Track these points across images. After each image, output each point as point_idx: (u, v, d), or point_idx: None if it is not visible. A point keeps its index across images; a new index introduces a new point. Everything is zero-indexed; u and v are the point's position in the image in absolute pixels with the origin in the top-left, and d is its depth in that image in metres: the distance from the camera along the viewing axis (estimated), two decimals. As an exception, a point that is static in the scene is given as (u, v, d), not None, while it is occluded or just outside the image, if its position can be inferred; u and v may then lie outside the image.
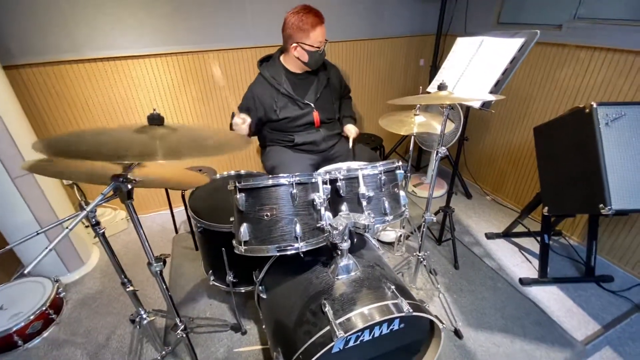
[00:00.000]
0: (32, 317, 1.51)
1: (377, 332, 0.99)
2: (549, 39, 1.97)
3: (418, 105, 1.55)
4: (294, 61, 1.64)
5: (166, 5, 1.91)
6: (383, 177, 1.03)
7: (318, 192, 0.97)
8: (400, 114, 1.64)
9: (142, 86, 2.06)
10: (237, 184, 0.92)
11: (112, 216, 2.30)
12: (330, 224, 0.93)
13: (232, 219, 1.05)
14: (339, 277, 1.05)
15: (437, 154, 1.28)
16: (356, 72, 2.65)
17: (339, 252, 1.03)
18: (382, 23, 2.53)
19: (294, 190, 0.91)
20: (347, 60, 2.57)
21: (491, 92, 1.37)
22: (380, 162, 1.08)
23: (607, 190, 1.33)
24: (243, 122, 1.49)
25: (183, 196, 1.80)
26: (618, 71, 1.70)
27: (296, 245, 0.92)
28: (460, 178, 2.62)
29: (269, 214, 0.91)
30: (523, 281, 1.78)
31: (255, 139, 1.86)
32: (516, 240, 2.13)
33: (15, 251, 1.78)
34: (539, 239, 2.03)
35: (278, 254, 0.94)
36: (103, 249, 1.05)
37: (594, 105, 1.37)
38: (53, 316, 1.63)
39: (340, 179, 1.04)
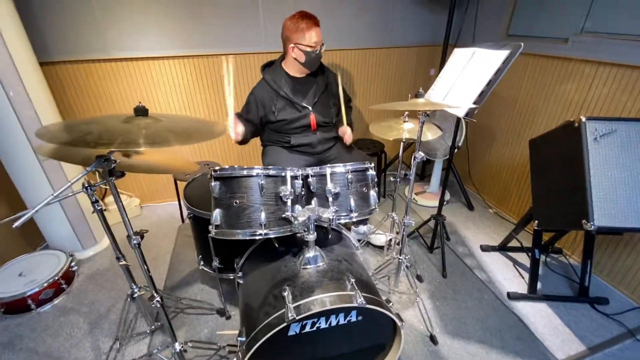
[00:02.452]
0: (45, 285, 1.70)
1: (333, 321, 1.05)
2: (554, 53, 1.95)
3: (406, 112, 1.60)
4: (293, 64, 1.75)
5: (185, 11, 2.09)
6: (350, 176, 1.10)
7: (286, 185, 1.06)
8: (389, 120, 1.69)
9: (159, 85, 2.25)
10: (213, 173, 1.02)
11: (127, 202, 2.50)
12: (293, 215, 1.00)
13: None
14: (306, 267, 1.12)
15: (414, 158, 1.32)
16: (365, 79, 2.72)
17: (307, 245, 1.11)
18: (392, 33, 2.59)
19: (262, 182, 1.00)
20: (357, 68, 2.65)
21: (475, 102, 1.39)
22: (351, 163, 1.14)
23: (591, 206, 1.31)
24: (235, 128, 1.61)
25: (176, 184, 1.95)
26: (622, 86, 1.65)
27: (260, 231, 1.01)
28: (463, 189, 2.60)
29: (238, 201, 1.01)
30: (511, 295, 1.76)
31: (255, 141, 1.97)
32: (512, 255, 2.09)
33: (38, 225, 1.99)
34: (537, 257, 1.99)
35: (242, 238, 1.03)
36: (115, 232, 1.18)
37: (583, 120, 1.35)
38: (64, 286, 1.81)
39: (311, 175, 1.12)
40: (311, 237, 1.08)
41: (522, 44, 1.29)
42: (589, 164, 1.33)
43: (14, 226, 0.74)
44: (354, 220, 1.12)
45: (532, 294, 1.75)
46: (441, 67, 2.59)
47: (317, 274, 1.11)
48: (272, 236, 1.04)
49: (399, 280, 1.75)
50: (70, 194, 1.11)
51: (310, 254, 1.12)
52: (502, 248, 2.10)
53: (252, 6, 2.19)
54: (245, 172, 1.00)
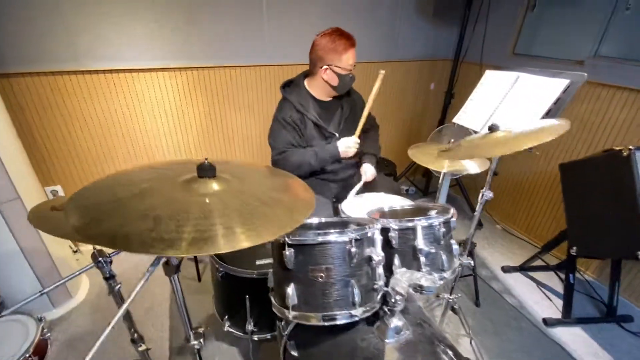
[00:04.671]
0: (12, 368, 1.30)
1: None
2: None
3: (452, 140, 1.48)
4: (319, 86, 1.55)
5: (180, 18, 1.78)
6: (442, 230, 0.94)
7: (374, 247, 0.87)
8: (430, 146, 1.56)
9: (146, 101, 1.90)
10: (287, 239, 0.80)
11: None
12: (393, 288, 0.82)
13: (269, 270, 0.92)
14: (389, 340, 0.93)
15: (482, 196, 1.20)
16: (367, 92, 2.59)
17: (390, 312, 0.92)
18: (395, 47, 2.49)
19: (354, 249, 0.80)
20: (358, 81, 2.49)
21: (533, 132, 1.32)
22: (434, 209, 0.99)
23: (647, 238, 1.29)
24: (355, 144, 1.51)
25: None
26: (641, 112, 1.70)
27: (355, 312, 0.81)
28: (471, 206, 2.58)
29: (323, 274, 0.80)
30: (547, 322, 1.73)
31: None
32: (532, 274, 2.08)
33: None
34: (559, 275, 2.01)
35: (328, 323, 0.81)
36: (93, 280, 0.89)
37: (633, 149, 1.34)
38: (36, 363, 1.41)
39: (393, 229, 0.94)
40: (400, 306, 0.90)
41: (586, 74, 1.24)
42: (641, 194, 1.32)
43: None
44: (447, 279, 0.96)
45: (567, 319, 1.73)
46: (450, 83, 2.57)
47: (406, 348, 0.92)
48: (367, 315, 0.84)
49: (443, 322, 1.62)
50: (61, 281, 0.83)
51: (394, 323, 0.93)
52: (523, 268, 2.09)
53: (255, 15, 1.94)
54: (332, 238, 0.79)
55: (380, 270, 0.87)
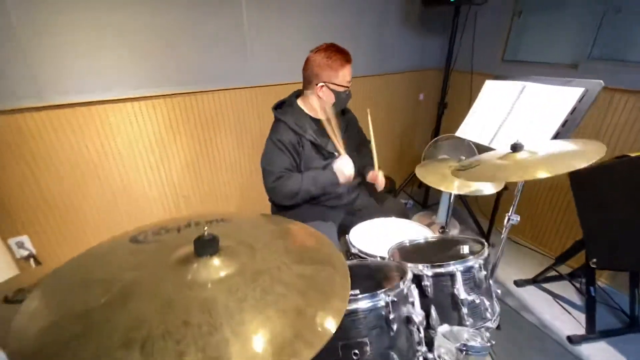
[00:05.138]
0: None
1: None
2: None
3: (462, 157, 1.39)
4: (314, 105, 1.43)
5: (157, 41, 1.62)
6: (482, 273, 0.82)
7: (412, 304, 0.73)
8: (439, 164, 1.46)
9: (122, 135, 1.72)
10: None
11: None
12: (439, 356, 0.68)
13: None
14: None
15: (508, 220, 1.09)
16: (356, 109, 2.49)
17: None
18: (384, 59, 2.42)
19: (392, 315, 0.66)
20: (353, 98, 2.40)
21: (550, 146, 1.24)
22: (465, 244, 0.87)
23: (678, 249, 1.22)
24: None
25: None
26: (642, 114, 1.67)
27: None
28: (473, 216, 2.51)
29: (357, 352, 0.65)
30: (572, 339, 1.63)
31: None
32: (546, 286, 2.00)
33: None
34: (574, 284, 1.93)
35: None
36: None
37: (651, 156, 1.28)
38: None
39: (427, 276, 0.81)
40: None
41: (602, 81, 1.17)
42: (666, 203, 1.26)
43: None
44: (493, 328, 0.83)
45: (591, 334, 1.65)
46: (442, 93, 2.51)
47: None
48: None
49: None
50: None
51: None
52: (535, 280, 2.01)
53: (237, 35, 1.81)
54: (364, 305, 0.65)
55: (421, 332, 0.73)
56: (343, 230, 1.59)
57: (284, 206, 1.50)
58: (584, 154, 0.90)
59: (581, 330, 1.68)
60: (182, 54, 1.71)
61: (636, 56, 1.69)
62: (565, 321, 1.76)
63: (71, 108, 1.57)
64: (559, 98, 1.26)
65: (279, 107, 1.50)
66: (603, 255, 1.53)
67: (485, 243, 0.90)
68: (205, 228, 0.50)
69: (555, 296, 1.93)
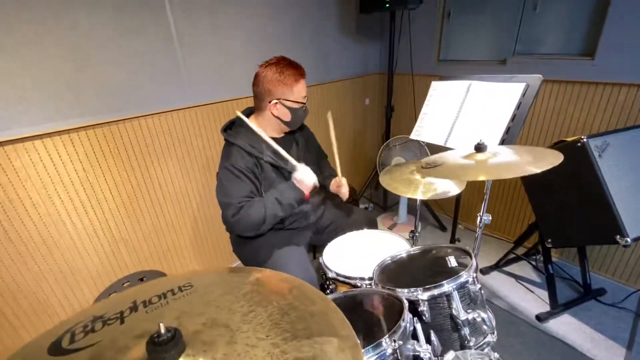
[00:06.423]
0: None
1: None
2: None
3: (418, 157, 1.37)
4: (269, 123, 1.32)
5: (66, 64, 1.36)
6: (477, 286, 0.77)
7: (417, 339, 0.65)
8: (400, 170, 1.43)
9: (33, 180, 1.41)
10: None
11: None
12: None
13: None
14: None
15: (480, 220, 1.09)
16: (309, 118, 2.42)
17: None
18: (326, 68, 2.39)
19: (400, 357, 0.57)
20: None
21: (503, 140, 1.27)
22: (449, 253, 0.82)
23: (620, 220, 1.33)
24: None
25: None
26: (567, 100, 1.84)
27: None
28: (431, 210, 2.57)
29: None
30: (540, 317, 1.72)
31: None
32: (507, 269, 2.11)
33: None
34: (531, 262, 2.06)
35: None
36: None
37: (585, 139, 1.39)
38: None
39: (422, 300, 0.74)
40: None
41: (541, 75, 1.23)
42: (604, 180, 1.37)
43: None
44: (493, 341, 0.79)
45: (555, 309, 1.75)
46: (388, 97, 2.54)
47: None
48: None
49: None
50: None
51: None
52: (498, 266, 2.10)
53: (166, 51, 1.62)
54: (370, 358, 0.55)
55: (430, 368, 0.66)
56: (313, 250, 1.48)
57: (246, 236, 1.35)
58: (545, 160, 0.91)
59: (546, 307, 1.78)
60: (102, 78, 1.47)
61: (552, 48, 1.87)
62: (531, 300, 1.86)
63: (-44, 156, 1.24)
64: (503, 94, 1.31)
65: (228, 128, 1.35)
66: (556, 235, 1.63)
67: (470, 252, 0.86)
68: (161, 324, 0.36)
69: (517, 277, 2.03)
